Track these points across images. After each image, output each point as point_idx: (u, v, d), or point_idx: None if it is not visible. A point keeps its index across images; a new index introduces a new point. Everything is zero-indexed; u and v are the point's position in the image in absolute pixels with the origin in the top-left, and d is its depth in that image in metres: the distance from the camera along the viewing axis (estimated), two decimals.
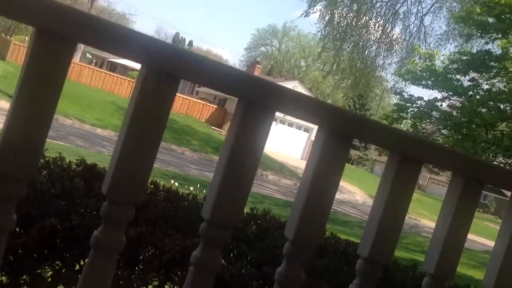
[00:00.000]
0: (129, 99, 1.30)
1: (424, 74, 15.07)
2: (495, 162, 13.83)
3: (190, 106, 37.05)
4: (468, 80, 14.67)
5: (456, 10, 21.54)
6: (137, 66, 1.26)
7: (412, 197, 1.64)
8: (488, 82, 15.00)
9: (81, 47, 35.36)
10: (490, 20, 13.80)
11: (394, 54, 26.76)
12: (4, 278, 2.68)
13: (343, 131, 1.47)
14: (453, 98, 15.25)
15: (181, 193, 3.43)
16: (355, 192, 29.92)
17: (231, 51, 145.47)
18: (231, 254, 3.01)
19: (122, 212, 1.32)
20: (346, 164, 1.61)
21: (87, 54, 46.81)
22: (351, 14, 25.02)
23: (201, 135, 30.60)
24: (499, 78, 14.78)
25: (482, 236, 23.68)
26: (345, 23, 25.26)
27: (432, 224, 22.31)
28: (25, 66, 1.15)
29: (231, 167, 1.36)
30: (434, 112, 14.99)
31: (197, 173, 19.26)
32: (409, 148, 1.57)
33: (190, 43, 75.71)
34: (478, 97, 14.02)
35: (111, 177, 1.28)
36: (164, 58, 1.23)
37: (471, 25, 14.56)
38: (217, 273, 1.46)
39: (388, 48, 26.33)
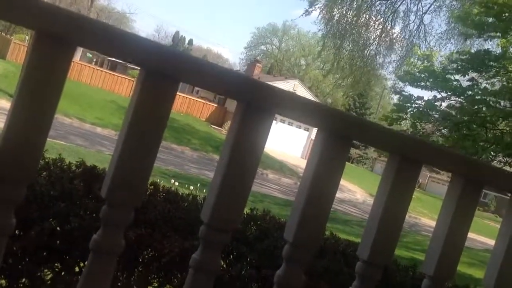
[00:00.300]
0: (129, 101, 1.30)
1: (423, 75, 15.05)
2: (495, 162, 13.85)
3: (190, 105, 37.04)
4: (468, 80, 14.66)
5: (456, 8, 21.51)
6: None
7: (412, 196, 1.64)
8: (488, 81, 14.98)
9: None
10: (489, 20, 13.78)
11: (394, 53, 26.76)
12: (3, 281, 2.68)
13: (343, 133, 1.46)
14: (452, 98, 15.24)
15: (181, 193, 3.43)
16: (355, 191, 29.93)
17: (231, 49, 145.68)
18: (231, 256, 3.01)
19: (122, 215, 1.32)
20: (346, 162, 1.61)
21: (88, 53, 46.77)
22: (351, 13, 25.00)
23: (201, 134, 30.60)
24: (498, 77, 14.76)
25: (482, 234, 23.68)
26: (345, 21, 25.23)
27: (432, 223, 22.32)
28: (25, 67, 1.15)
29: (231, 169, 1.36)
30: (433, 112, 14.97)
31: (197, 172, 19.27)
32: (409, 150, 1.56)
33: (190, 41, 75.68)
34: (478, 97, 14.01)
35: (111, 180, 1.27)
36: (162, 61, 1.23)
37: (469, 25, 14.55)
38: (216, 275, 1.46)
39: (388, 47, 26.33)
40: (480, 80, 14.79)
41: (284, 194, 20.40)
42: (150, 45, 1.21)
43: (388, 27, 25.60)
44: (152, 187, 3.15)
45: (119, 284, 2.81)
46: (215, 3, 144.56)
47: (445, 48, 23.94)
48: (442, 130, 15.30)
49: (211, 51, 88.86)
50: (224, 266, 2.79)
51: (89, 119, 24.59)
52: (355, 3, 24.66)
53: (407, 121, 16.11)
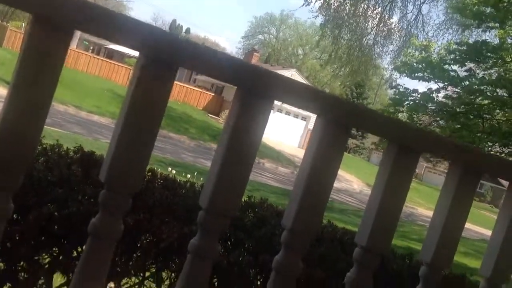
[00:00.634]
0: (127, 87, 1.29)
1: (420, 66, 15.04)
2: (491, 152, 13.88)
3: (187, 94, 36.95)
4: (465, 71, 14.67)
5: None
6: (135, 53, 1.25)
7: (411, 184, 1.64)
8: (485, 72, 14.99)
9: (78, 33, 35.18)
10: (487, 10, 13.76)
11: (392, 43, 26.70)
12: (1, 264, 2.69)
13: (342, 120, 1.46)
14: (449, 89, 15.26)
15: (178, 180, 3.43)
16: (352, 181, 29.97)
17: (228, 38, 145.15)
18: (229, 242, 3.02)
19: (120, 200, 1.32)
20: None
21: (84, 41, 46.58)
22: (350, 1, 24.90)
23: (198, 123, 30.55)
24: (496, 68, 14.77)
25: (478, 224, 23.79)
26: (342, 10, 25.14)
27: (428, 213, 22.40)
28: (22, 53, 1.14)
29: (230, 155, 1.36)
30: (430, 103, 14.99)
31: (194, 160, 19.27)
32: (407, 139, 1.57)
33: (188, 30, 75.33)
34: (475, 87, 14.03)
35: (109, 165, 1.27)
36: (162, 46, 1.22)
37: (467, 15, 14.53)
38: (215, 261, 1.46)
39: (386, 37, 26.27)
40: (477, 71, 14.80)
41: (281, 183, 20.43)
42: (150, 30, 1.21)
43: (386, 17, 25.53)
44: (150, 173, 3.15)
45: (118, 269, 2.82)
46: None
47: (443, 39, 23.87)
48: (439, 121, 15.33)
49: (209, 40, 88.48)
50: (222, 252, 2.79)
51: (85, 107, 24.52)
52: None
53: (404, 113, 16.13)
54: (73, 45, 35.56)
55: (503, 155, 13.65)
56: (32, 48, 1.13)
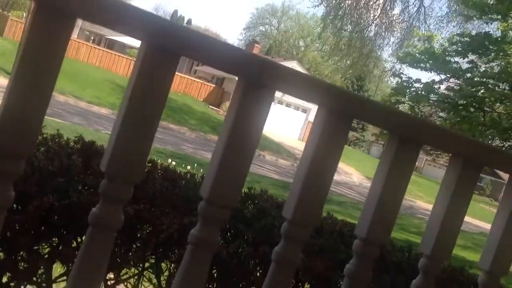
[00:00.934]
0: (129, 76, 1.29)
1: (423, 56, 15.04)
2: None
3: (188, 85, 36.92)
4: (467, 62, 14.65)
5: None
6: (135, 44, 1.25)
7: (411, 176, 1.64)
8: (487, 65, 14.97)
9: (79, 24, 35.09)
10: (491, 1, 13.71)
11: (394, 35, 26.63)
12: (1, 254, 2.69)
13: (344, 111, 1.46)
14: (451, 81, 15.25)
15: (179, 171, 3.43)
16: (352, 173, 30.01)
17: (229, 30, 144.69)
18: (228, 233, 3.02)
19: (121, 190, 1.32)
20: None
21: (86, 31, 46.47)
22: None
23: (198, 114, 30.56)
24: (497, 61, 14.75)
25: (477, 218, 23.84)
26: (344, 0, 25.04)
27: (428, 206, 22.42)
28: (24, 41, 1.13)
29: (231, 146, 1.36)
30: (431, 94, 14.99)
31: (194, 152, 19.28)
32: (409, 129, 1.56)
33: (189, 21, 75.17)
34: (477, 79, 14.02)
35: (110, 154, 1.27)
36: (164, 35, 1.22)
37: (470, 6, 14.49)
38: (215, 252, 1.46)
39: (388, 29, 26.19)
40: (479, 64, 14.78)
41: (281, 176, 20.45)
42: (152, 18, 1.20)
43: (388, 8, 25.44)
44: (150, 164, 3.15)
45: (117, 260, 2.83)
46: None
47: (446, 32, 23.81)
48: (440, 113, 15.33)
49: (210, 31, 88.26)
50: (222, 243, 2.80)
51: (86, 97, 24.50)
52: None
53: (406, 104, 16.13)
54: (74, 35, 35.50)
55: (503, 149, 13.65)
56: (34, 37, 1.13)
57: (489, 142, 13.87)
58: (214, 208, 1.39)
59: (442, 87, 15.37)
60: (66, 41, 1.16)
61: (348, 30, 26.51)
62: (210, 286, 2.96)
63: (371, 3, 25.37)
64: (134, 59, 1.42)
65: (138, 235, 2.83)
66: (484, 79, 13.84)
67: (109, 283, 3.07)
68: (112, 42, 47.71)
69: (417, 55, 15.29)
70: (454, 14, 23.75)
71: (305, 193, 1.47)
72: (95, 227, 1.34)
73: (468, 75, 14.44)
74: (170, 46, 1.24)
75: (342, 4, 25.14)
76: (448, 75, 14.88)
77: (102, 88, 27.09)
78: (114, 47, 45.16)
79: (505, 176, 1.83)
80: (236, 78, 1.38)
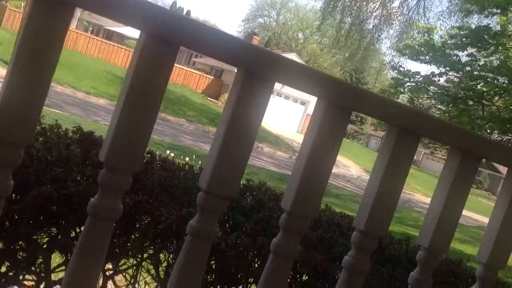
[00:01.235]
0: (128, 67, 1.28)
1: (423, 48, 15.03)
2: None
3: (186, 77, 36.82)
4: (466, 55, 14.65)
5: None
6: (134, 35, 1.24)
7: (410, 168, 1.64)
8: (486, 59, 14.96)
9: (77, 14, 34.94)
10: None
11: (393, 28, 26.60)
12: (0, 243, 2.69)
13: (343, 103, 1.46)
14: (450, 73, 15.25)
15: (177, 163, 3.43)
16: (350, 166, 30.02)
17: (228, 22, 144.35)
18: (227, 225, 3.03)
19: (119, 180, 1.32)
20: None
21: (84, 21, 46.30)
22: None
23: (197, 106, 30.50)
24: (496, 55, 14.74)
25: (474, 211, 23.89)
26: None
27: (426, 199, 22.42)
28: (23, 30, 1.13)
29: (229, 137, 1.35)
30: (431, 87, 14.99)
31: (192, 144, 19.27)
32: (408, 121, 1.56)
33: (188, 13, 74.93)
34: (476, 72, 14.01)
35: (109, 144, 1.27)
36: (163, 25, 1.21)
37: (470, 0, 14.47)
38: (213, 243, 1.47)
39: (387, 22, 26.15)
40: (478, 57, 14.78)
41: (279, 168, 20.45)
42: (151, 8, 1.20)
43: (387, 1, 25.39)
44: (148, 155, 3.15)
45: (116, 250, 2.83)
46: None
47: (446, 25, 23.79)
48: (439, 106, 15.34)
49: (208, 22, 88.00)
50: (220, 234, 2.80)
51: (83, 88, 24.44)
52: None
53: (405, 95, 16.13)
54: (72, 25, 35.34)
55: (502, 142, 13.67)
56: (33, 25, 1.12)
57: (488, 135, 13.89)
58: (213, 199, 1.39)
59: (442, 80, 15.37)
60: (64, 30, 1.16)
61: (347, 22, 26.47)
62: (209, 277, 2.97)
63: None
64: (133, 50, 1.41)
65: (137, 226, 2.83)
66: (484, 73, 13.84)
67: (107, 273, 3.08)
68: (110, 33, 47.52)
69: (417, 47, 15.27)
70: (453, 9, 23.70)
71: (303, 185, 1.47)
72: (94, 217, 1.34)
73: (468, 68, 14.43)
74: (169, 36, 1.24)
75: None
76: (448, 68, 14.87)
77: (100, 79, 27.02)
78: (113, 38, 44.98)
79: (504, 170, 1.83)
80: (235, 70, 1.37)
